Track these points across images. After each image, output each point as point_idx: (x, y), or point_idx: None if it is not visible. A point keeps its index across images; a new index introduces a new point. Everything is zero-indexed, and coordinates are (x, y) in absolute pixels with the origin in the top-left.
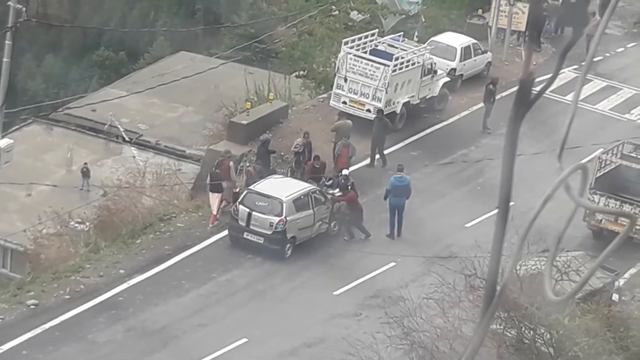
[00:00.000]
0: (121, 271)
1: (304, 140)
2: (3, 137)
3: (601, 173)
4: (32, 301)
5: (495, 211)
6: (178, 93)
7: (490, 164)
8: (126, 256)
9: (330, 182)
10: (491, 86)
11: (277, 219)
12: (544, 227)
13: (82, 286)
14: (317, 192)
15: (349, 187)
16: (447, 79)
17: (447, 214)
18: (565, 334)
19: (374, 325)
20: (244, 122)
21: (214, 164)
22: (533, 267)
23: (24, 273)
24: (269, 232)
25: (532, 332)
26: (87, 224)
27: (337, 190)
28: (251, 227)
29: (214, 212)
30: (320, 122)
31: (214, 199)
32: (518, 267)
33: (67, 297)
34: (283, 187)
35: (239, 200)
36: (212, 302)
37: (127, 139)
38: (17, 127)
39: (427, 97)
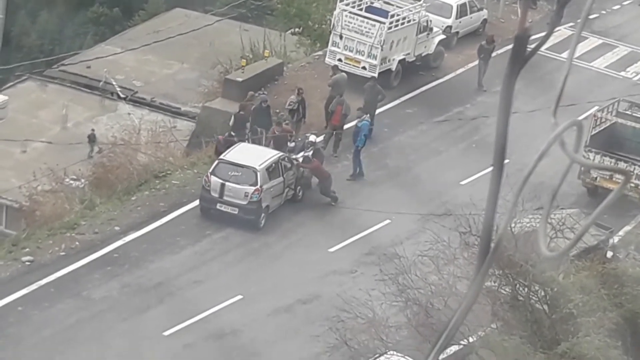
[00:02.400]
0: (116, 228)
1: (298, 98)
2: None
3: (596, 131)
4: (27, 257)
5: (490, 169)
6: (173, 50)
7: (485, 121)
8: (121, 213)
9: (293, 144)
10: (485, 43)
11: (252, 188)
12: (538, 184)
13: (77, 243)
14: (285, 158)
15: (312, 155)
16: (443, 36)
17: (443, 172)
18: (560, 291)
19: (369, 283)
20: (240, 79)
21: (243, 106)
22: (528, 225)
23: (19, 229)
24: (244, 203)
25: (526, 289)
26: (82, 180)
27: (301, 154)
28: (225, 197)
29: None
30: (316, 80)
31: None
32: (513, 225)
33: (63, 253)
34: (254, 155)
35: (210, 170)
36: (207, 259)
37: (122, 96)
38: (11, 83)
39: (423, 54)
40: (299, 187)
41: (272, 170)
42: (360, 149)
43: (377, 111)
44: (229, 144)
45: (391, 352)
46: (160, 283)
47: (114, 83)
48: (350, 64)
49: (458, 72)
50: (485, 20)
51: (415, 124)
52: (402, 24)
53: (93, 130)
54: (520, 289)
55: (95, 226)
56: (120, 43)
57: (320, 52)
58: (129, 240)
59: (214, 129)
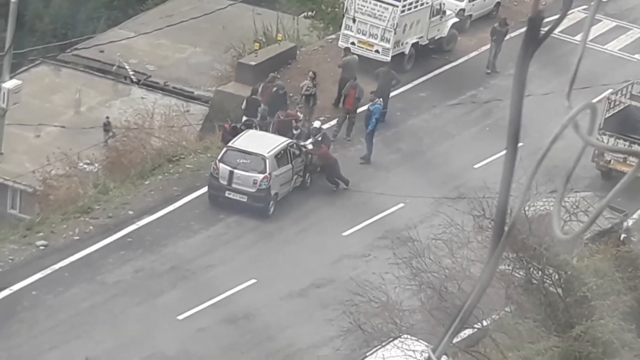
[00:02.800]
0: (130, 212)
1: (312, 82)
2: (11, 78)
3: (610, 114)
4: (42, 242)
5: (504, 152)
6: (186, 34)
7: (499, 104)
8: (135, 197)
9: (299, 132)
10: (497, 26)
11: (261, 176)
12: (552, 167)
13: (91, 227)
14: (294, 145)
15: (320, 141)
16: (456, 19)
17: (456, 155)
18: (574, 275)
19: (383, 266)
20: (253, 63)
21: (255, 90)
22: (541, 208)
23: (33, 214)
24: (253, 190)
25: (540, 272)
26: (96, 165)
27: (309, 141)
28: (233, 185)
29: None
30: (329, 63)
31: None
32: (526, 208)
33: (76, 238)
34: (262, 142)
35: (219, 157)
36: (221, 243)
37: (135, 80)
38: (25, 68)
39: (436, 37)
40: (307, 174)
41: (281, 158)
42: (372, 132)
43: (392, 94)
44: (235, 132)
45: (405, 335)
46: (173, 267)
47: (127, 67)
48: (363, 48)
49: (471, 55)
50: (498, 3)
51: (428, 108)
52: (416, 7)
53: (108, 117)
54: (534, 272)
55: (109, 210)
56: (134, 27)
57: (333, 36)
58: (143, 224)
59: (227, 112)
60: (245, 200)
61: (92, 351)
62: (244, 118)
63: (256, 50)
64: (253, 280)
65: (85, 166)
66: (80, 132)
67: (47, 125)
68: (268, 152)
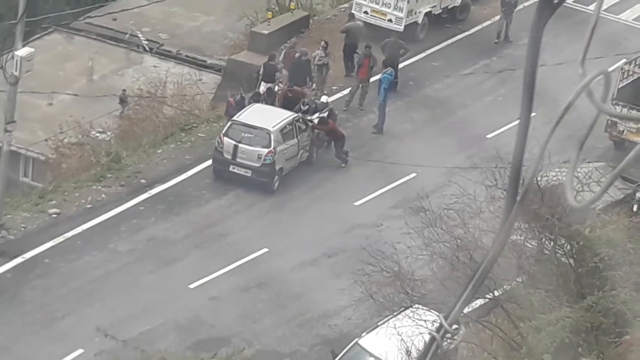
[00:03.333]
0: (142, 181)
1: (324, 52)
2: (24, 46)
3: (623, 84)
4: (54, 210)
5: (517, 122)
6: (199, 2)
7: (512, 74)
8: (147, 166)
9: (307, 107)
10: None
11: (266, 150)
12: (565, 138)
13: (103, 195)
14: (300, 119)
15: (327, 116)
16: None
17: (469, 125)
18: (586, 245)
19: (395, 236)
20: (265, 31)
21: (272, 56)
22: (554, 178)
23: (45, 182)
24: (257, 165)
25: (552, 243)
26: (109, 133)
27: (316, 116)
28: (238, 159)
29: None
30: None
31: (265, 87)
32: (539, 178)
33: (89, 206)
34: (268, 116)
35: (223, 132)
36: (233, 212)
37: (147, 48)
38: (38, 36)
39: (449, 7)
40: (314, 149)
41: (287, 132)
42: (384, 101)
43: (404, 64)
44: (239, 106)
45: (416, 305)
46: (186, 236)
47: (140, 35)
48: (376, 17)
49: (484, 24)
50: None
51: (441, 77)
52: None
53: (125, 90)
54: (546, 242)
55: (121, 179)
56: None
57: (346, 5)
58: (155, 192)
59: (240, 81)
60: (249, 174)
61: (105, 319)
62: (262, 86)
63: (269, 18)
64: (265, 249)
65: (98, 134)
66: (92, 100)
67: (60, 93)
68: (273, 127)
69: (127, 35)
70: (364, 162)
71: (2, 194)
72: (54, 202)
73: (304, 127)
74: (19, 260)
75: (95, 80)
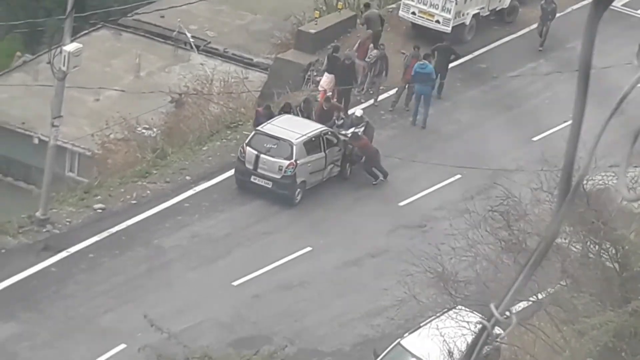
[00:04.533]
0: (187, 177)
1: (379, 52)
2: (72, 41)
3: None
4: (99, 205)
5: (564, 124)
6: (247, 0)
7: (559, 77)
8: (192, 163)
9: (342, 122)
10: (543, 4)
11: (287, 162)
12: (612, 142)
13: (148, 192)
14: (330, 133)
15: (362, 131)
16: None
17: (515, 127)
18: (631, 250)
19: (439, 237)
20: (312, 31)
21: (337, 48)
22: (600, 182)
23: (91, 177)
24: (278, 177)
25: (597, 247)
26: (155, 130)
27: (350, 130)
28: (259, 170)
29: (325, 88)
30: (389, 33)
31: (328, 79)
32: (585, 182)
33: (134, 202)
34: (293, 128)
35: (246, 141)
36: (276, 210)
37: (195, 46)
38: (86, 32)
39: (497, 9)
40: (347, 164)
41: (312, 145)
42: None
43: (451, 65)
44: (268, 115)
45: (459, 307)
46: (229, 234)
47: (187, 33)
48: (424, 18)
49: (532, 27)
50: None
51: (488, 79)
52: None
53: (181, 95)
54: (591, 246)
55: (166, 175)
56: None
57: (393, 5)
58: (200, 190)
59: (286, 80)
60: (270, 186)
61: (147, 315)
62: (325, 77)
63: (316, 18)
64: (308, 248)
65: (144, 131)
66: (139, 96)
67: (107, 89)
68: (296, 139)
69: (175, 33)
70: (409, 162)
71: (48, 189)
72: (99, 197)
73: (334, 141)
74: (63, 254)
75: (142, 77)
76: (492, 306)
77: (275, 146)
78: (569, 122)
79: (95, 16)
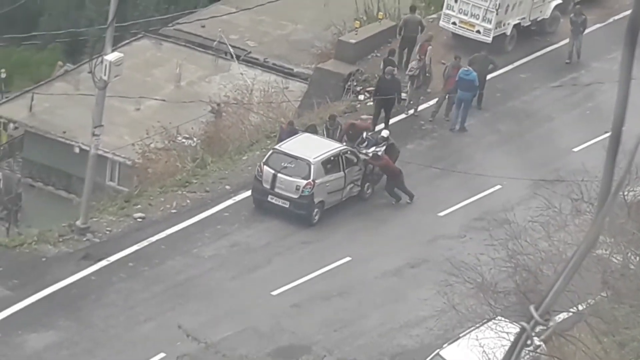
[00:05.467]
0: (227, 187)
1: (419, 64)
2: (113, 51)
3: None
4: (139, 214)
5: (604, 135)
6: (287, 11)
7: (600, 87)
8: (232, 172)
9: (366, 143)
10: (573, 16)
11: (305, 182)
12: None
13: (188, 201)
14: (349, 152)
15: (383, 151)
16: (560, 0)
17: (555, 138)
18: None
19: (478, 247)
20: (353, 41)
21: (392, 51)
22: None
23: (131, 186)
24: (295, 196)
25: (638, 258)
26: (195, 139)
27: (372, 150)
28: (276, 190)
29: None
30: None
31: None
32: (625, 193)
33: (174, 211)
34: (312, 147)
35: (264, 160)
36: (316, 220)
37: (235, 55)
38: (127, 41)
39: (538, 19)
40: (367, 184)
41: (331, 164)
42: (470, 100)
43: (491, 76)
44: (292, 133)
45: (499, 317)
46: (269, 243)
47: (227, 43)
48: (464, 28)
49: None
50: None
51: (528, 89)
52: None
53: (219, 105)
54: (632, 257)
55: (206, 185)
56: (235, 3)
57: (434, 15)
58: (239, 199)
59: (326, 90)
60: (287, 206)
61: (187, 324)
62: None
63: (357, 28)
64: (348, 258)
65: (184, 140)
66: (179, 106)
67: (147, 99)
68: (314, 158)
69: (215, 43)
70: (449, 173)
71: (89, 198)
72: (139, 206)
73: (354, 160)
74: (103, 263)
75: (183, 87)
76: (531, 308)
77: (292, 165)
78: (609, 134)
79: (136, 26)
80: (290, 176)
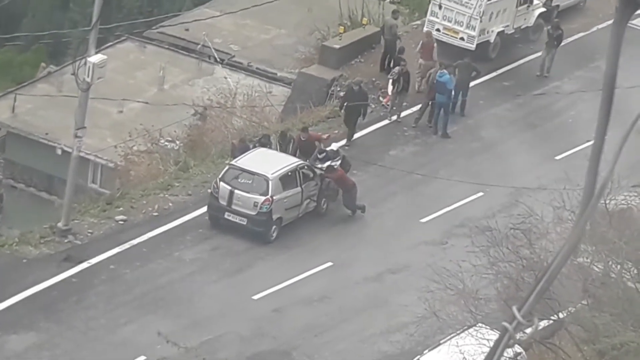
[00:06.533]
0: (209, 190)
1: (400, 69)
2: (96, 53)
3: None
4: (121, 217)
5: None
6: (271, 15)
7: (583, 96)
8: (215, 176)
9: (323, 155)
10: (550, 29)
11: (263, 198)
12: (636, 162)
13: (170, 204)
14: (306, 167)
15: (334, 167)
16: (543, 9)
17: (538, 146)
18: None
19: (460, 254)
20: (337, 46)
21: (402, 49)
22: (622, 201)
23: (113, 189)
24: (253, 213)
25: (619, 266)
26: (177, 142)
27: (328, 163)
28: (233, 206)
29: (390, 93)
30: (414, 49)
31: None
32: (607, 201)
33: (156, 214)
34: (268, 162)
35: (219, 176)
36: (297, 225)
37: (219, 59)
38: (110, 43)
39: (522, 27)
40: (323, 199)
41: (288, 180)
42: (449, 103)
43: (474, 83)
44: (244, 149)
45: (480, 324)
46: (250, 247)
47: (211, 46)
48: (448, 35)
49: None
50: None
51: (511, 97)
52: None
53: (205, 108)
54: (613, 266)
55: (188, 188)
56: (219, 6)
57: (418, 22)
58: None
59: (309, 95)
60: (244, 223)
61: (167, 327)
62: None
63: (341, 33)
64: (329, 263)
65: (167, 143)
66: (162, 109)
67: (131, 101)
68: (272, 173)
69: (199, 46)
70: (431, 179)
71: (70, 200)
72: (121, 208)
73: (310, 175)
74: (84, 265)
75: (166, 90)
76: (514, 308)
77: (250, 181)
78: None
79: (120, 28)
80: (248, 192)
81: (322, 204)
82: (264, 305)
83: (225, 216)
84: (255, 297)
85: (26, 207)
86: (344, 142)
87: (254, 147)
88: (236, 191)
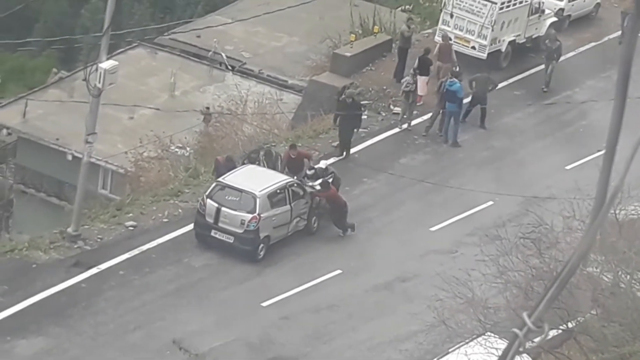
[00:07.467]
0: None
1: (412, 79)
2: (108, 59)
3: None
4: (131, 223)
5: (598, 154)
6: (283, 23)
7: (594, 106)
8: None
9: (312, 172)
10: (548, 42)
11: (250, 216)
12: None
13: (180, 210)
14: (296, 185)
15: (330, 182)
16: (555, 18)
17: (548, 155)
18: None
19: (469, 263)
20: (348, 54)
21: (423, 51)
22: (632, 212)
23: (123, 195)
24: (240, 231)
25: (628, 276)
26: (188, 149)
27: (318, 182)
28: (220, 224)
29: (421, 94)
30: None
31: (422, 82)
32: (617, 211)
33: (165, 220)
34: (257, 179)
35: (206, 193)
36: (307, 232)
37: (230, 66)
38: (122, 50)
39: (534, 36)
40: (313, 218)
41: (277, 198)
42: (459, 112)
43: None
44: (230, 167)
45: (489, 333)
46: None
47: (222, 53)
48: (459, 43)
49: (568, 55)
50: (598, 4)
51: (522, 106)
52: (514, 4)
53: (208, 108)
54: (623, 276)
55: (198, 194)
56: (231, 14)
57: (429, 30)
58: None
59: (320, 102)
60: (231, 241)
61: (177, 333)
62: (420, 81)
63: (352, 41)
64: (338, 271)
65: (177, 150)
66: (173, 115)
67: (142, 107)
68: (260, 191)
69: (210, 53)
70: (441, 188)
71: (80, 205)
72: (131, 214)
73: (300, 193)
74: (94, 271)
75: (177, 96)
76: (524, 314)
77: (237, 198)
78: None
79: (131, 34)
80: (235, 210)
81: (312, 223)
82: (273, 312)
83: (212, 234)
84: (264, 304)
85: (36, 212)
86: (332, 160)
87: (243, 163)
88: (223, 208)
